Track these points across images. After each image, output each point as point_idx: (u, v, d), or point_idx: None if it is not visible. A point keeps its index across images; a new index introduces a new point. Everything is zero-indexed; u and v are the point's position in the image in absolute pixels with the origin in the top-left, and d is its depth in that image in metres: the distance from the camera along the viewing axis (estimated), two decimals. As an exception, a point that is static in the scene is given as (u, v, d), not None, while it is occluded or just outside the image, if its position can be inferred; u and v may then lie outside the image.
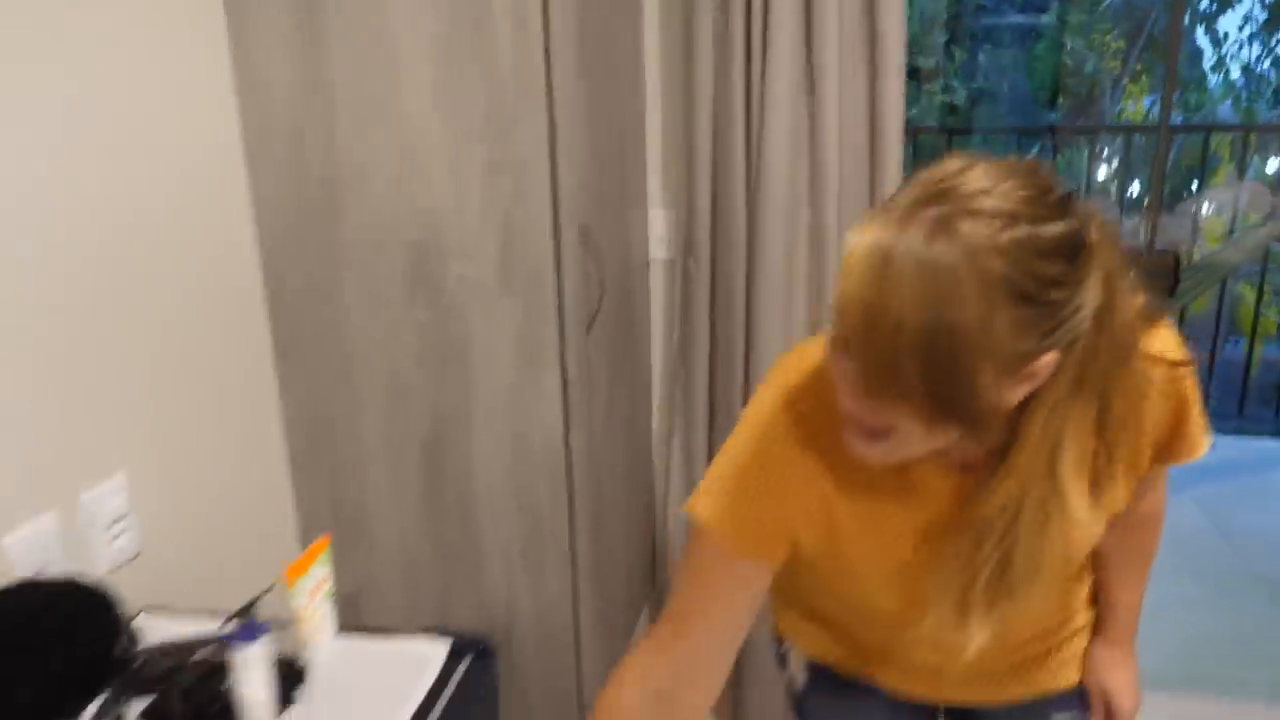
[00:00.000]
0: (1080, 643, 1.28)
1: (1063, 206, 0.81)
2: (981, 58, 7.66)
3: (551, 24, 1.63)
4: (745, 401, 2.14)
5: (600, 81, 1.90)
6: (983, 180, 0.80)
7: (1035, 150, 6.29)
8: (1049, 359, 0.82)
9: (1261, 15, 7.09)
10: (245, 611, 1.37)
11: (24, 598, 1.22)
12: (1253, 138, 5.90)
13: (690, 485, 2.25)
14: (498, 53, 1.63)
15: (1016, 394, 0.84)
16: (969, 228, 0.77)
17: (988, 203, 0.78)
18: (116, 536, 1.46)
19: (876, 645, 1.22)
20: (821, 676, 1.30)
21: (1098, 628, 1.28)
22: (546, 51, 1.64)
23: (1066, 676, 1.28)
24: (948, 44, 7.40)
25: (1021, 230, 0.78)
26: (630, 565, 2.25)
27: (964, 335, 0.77)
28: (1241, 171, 5.92)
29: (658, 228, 2.26)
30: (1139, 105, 7.53)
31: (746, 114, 2.07)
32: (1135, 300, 0.88)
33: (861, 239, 0.80)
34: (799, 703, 1.35)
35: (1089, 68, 7.47)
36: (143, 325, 1.51)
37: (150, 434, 1.54)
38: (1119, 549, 1.22)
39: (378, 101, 1.67)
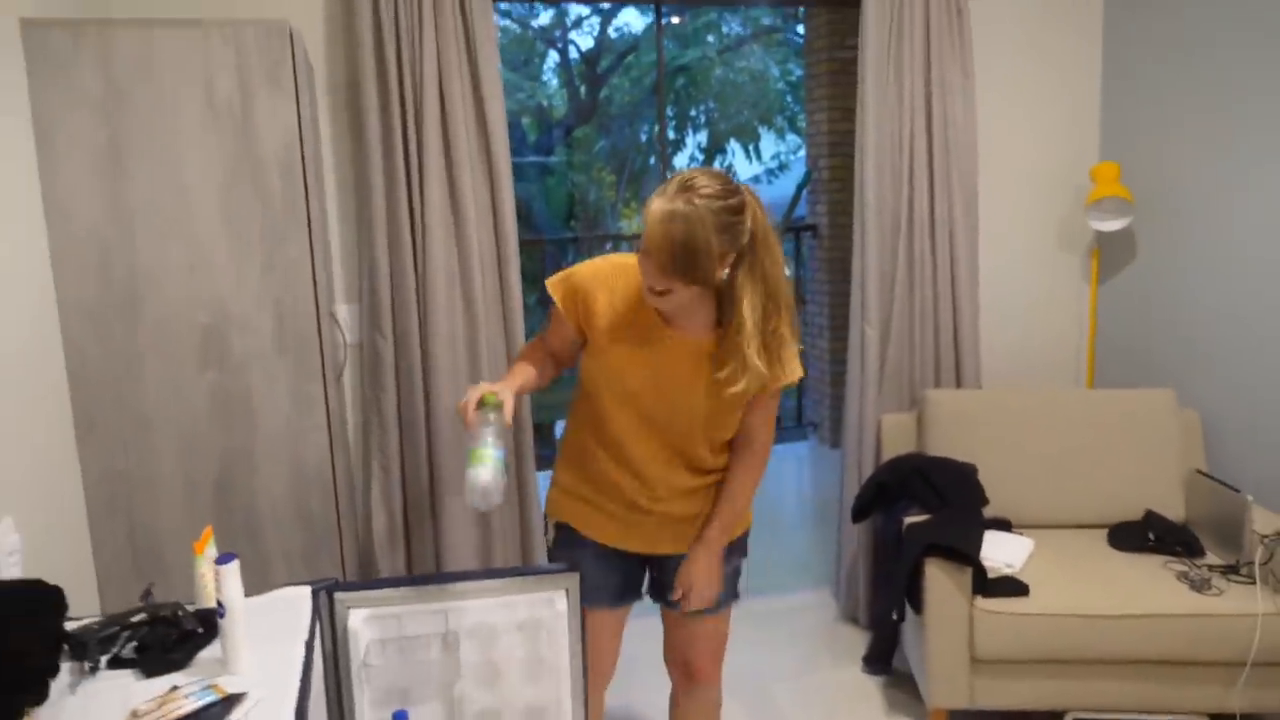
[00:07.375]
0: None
1: (734, 187, 1.78)
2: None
3: (307, 167, 2.39)
4: (430, 442, 3.00)
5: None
6: (702, 178, 1.75)
7: (570, 257, 8.12)
8: (732, 255, 1.77)
9: (700, 155, 10.62)
10: (147, 594, 1.89)
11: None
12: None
13: (386, 482, 3.02)
14: (270, 190, 2.36)
15: (722, 270, 1.77)
16: (699, 199, 1.71)
17: (705, 188, 1.73)
18: (14, 563, 1.90)
19: (606, 477, 2.02)
20: (562, 532, 2.12)
21: (700, 530, 2.05)
22: (305, 186, 2.39)
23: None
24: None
25: (719, 200, 1.74)
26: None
27: (699, 245, 1.71)
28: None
29: (343, 317, 3.03)
30: (632, 222, 10.25)
31: (411, 230, 2.95)
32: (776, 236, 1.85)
33: (658, 205, 1.72)
34: (550, 552, 2.17)
35: (592, 195, 9.84)
36: None
37: (19, 491, 2.00)
38: (732, 465, 2.02)
39: (172, 222, 2.30)
